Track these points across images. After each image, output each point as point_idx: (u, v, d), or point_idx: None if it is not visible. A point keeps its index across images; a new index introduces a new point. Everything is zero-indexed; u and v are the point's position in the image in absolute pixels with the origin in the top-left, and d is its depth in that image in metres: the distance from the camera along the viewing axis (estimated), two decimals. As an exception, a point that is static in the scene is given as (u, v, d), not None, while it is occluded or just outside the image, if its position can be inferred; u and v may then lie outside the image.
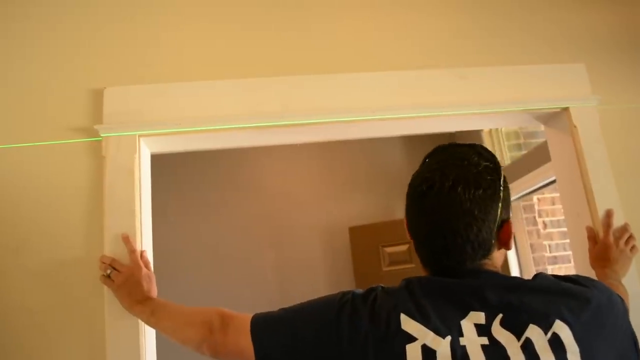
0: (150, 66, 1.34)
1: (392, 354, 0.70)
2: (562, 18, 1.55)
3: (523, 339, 0.68)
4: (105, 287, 1.14)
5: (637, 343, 0.76)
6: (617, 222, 1.31)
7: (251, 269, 3.22)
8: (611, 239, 1.28)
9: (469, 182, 0.77)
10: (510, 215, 0.82)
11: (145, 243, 1.22)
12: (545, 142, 1.64)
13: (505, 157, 2.84)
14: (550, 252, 2.73)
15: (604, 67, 1.51)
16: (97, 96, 1.28)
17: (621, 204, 1.34)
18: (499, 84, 1.42)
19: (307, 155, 3.49)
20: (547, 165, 2.24)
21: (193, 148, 1.44)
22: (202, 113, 1.29)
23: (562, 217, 2.58)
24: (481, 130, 2.91)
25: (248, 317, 0.84)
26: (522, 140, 2.86)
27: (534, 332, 0.69)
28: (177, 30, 1.38)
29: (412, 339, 0.70)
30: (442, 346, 0.68)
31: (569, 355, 0.67)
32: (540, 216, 2.80)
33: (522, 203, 2.81)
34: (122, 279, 1.10)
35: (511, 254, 2.79)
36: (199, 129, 1.28)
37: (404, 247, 2.99)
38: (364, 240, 3.18)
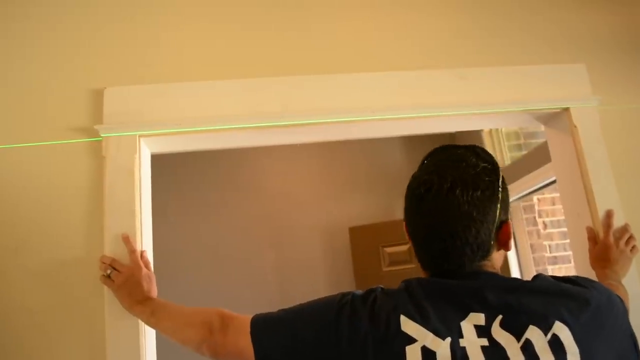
0: (150, 66, 1.34)
1: (391, 355, 0.70)
2: (563, 18, 1.55)
3: (523, 340, 0.68)
4: (106, 287, 1.14)
5: (637, 344, 0.76)
6: (618, 222, 1.31)
7: (251, 269, 3.22)
8: (611, 239, 1.27)
9: (467, 183, 0.77)
10: (509, 216, 0.82)
11: (145, 243, 1.22)
12: (546, 143, 1.64)
13: (505, 157, 2.84)
14: (550, 253, 2.73)
15: (604, 68, 1.51)
16: (97, 96, 1.28)
17: (621, 205, 1.34)
18: (499, 84, 1.42)
19: (307, 155, 3.49)
20: (548, 166, 2.24)
21: (193, 148, 1.44)
22: (202, 113, 1.29)
23: (563, 218, 2.58)
24: (481, 130, 2.91)
25: (248, 318, 0.84)
26: (522, 141, 2.86)
27: (533, 333, 0.69)
28: (177, 30, 1.38)
29: (411, 340, 0.70)
30: (442, 347, 0.68)
31: (568, 356, 0.67)
32: (540, 216, 2.81)
33: (522, 203, 2.81)
34: (122, 279, 1.10)
35: (511, 254, 2.79)
36: (199, 129, 1.28)
37: (404, 248, 2.99)
38: (364, 240, 3.18)
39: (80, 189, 1.22)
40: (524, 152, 2.74)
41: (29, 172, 1.22)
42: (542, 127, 1.57)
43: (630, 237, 1.29)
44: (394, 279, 0.92)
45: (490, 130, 2.93)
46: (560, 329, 0.69)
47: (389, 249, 3.09)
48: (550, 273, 2.64)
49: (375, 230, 3.14)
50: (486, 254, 0.78)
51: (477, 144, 0.87)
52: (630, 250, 1.28)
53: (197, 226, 3.25)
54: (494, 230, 0.78)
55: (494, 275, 0.79)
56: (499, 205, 0.78)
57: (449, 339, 0.69)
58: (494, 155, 0.86)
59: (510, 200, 2.89)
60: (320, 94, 1.34)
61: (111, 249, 1.16)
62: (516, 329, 0.69)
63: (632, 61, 1.54)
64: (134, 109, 1.27)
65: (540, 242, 2.76)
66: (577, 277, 0.81)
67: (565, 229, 2.68)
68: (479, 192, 0.76)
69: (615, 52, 1.54)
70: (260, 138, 1.40)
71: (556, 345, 0.68)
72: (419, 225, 0.82)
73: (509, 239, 0.80)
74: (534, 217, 2.81)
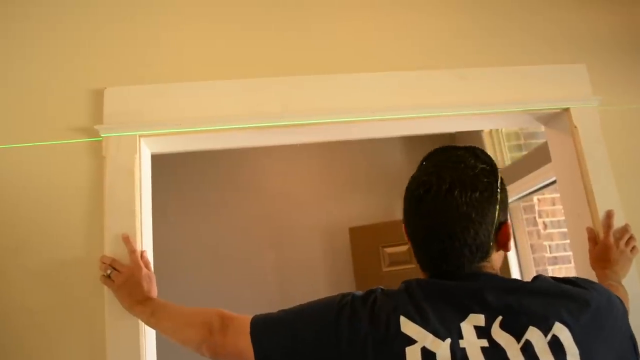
0: (150, 66, 1.34)
1: (391, 356, 0.70)
2: (563, 18, 1.55)
3: (523, 341, 0.68)
4: (106, 288, 1.14)
5: (637, 346, 0.76)
6: (618, 223, 1.31)
7: (251, 269, 3.22)
8: (611, 239, 1.27)
9: (466, 184, 0.77)
10: (508, 217, 0.82)
11: (145, 243, 1.22)
12: (546, 143, 1.64)
13: (505, 157, 2.84)
14: (550, 253, 2.73)
15: (604, 68, 1.51)
16: (98, 96, 1.28)
17: (622, 205, 1.34)
18: (499, 84, 1.42)
19: (307, 155, 3.49)
20: (548, 166, 2.24)
21: (193, 148, 1.44)
22: (202, 113, 1.29)
23: (563, 218, 2.58)
24: (481, 130, 2.91)
25: (248, 318, 0.84)
26: (522, 141, 2.86)
27: (533, 335, 0.69)
28: (177, 30, 1.38)
29: (411, 341, 0.69)
30: (442, 349, 0.68)
31: (568, 357, 0.67)
32: (540, 217, 2.81)
33: (522, 204, 2.81)
34: (123, 279, 1.10)
35: (511, 255, 2.79)
36: (199, 129, 1.28)
37: (404, 248, 2.99)
38: (364, 240, 3.18)
39: (80, 189, 1.22)
40: (524, 153, 2.74)
41: (29, 172, 1.22)
42: (542, 128, 1.57)
43: (631, 238, 1.29)
44: (394, 279, 0.92)
45: (491, 131, 2.92)
46: (560, 330, 0.69)
47: (389, 249, 3.09)
48: (550, 273, 2.64)
49: (376, 231, 3.14)
50: (485, 255, 0.78)
51: (476, 145, 0.87)
52: (631, 250, 1.28)
53: (197, 226, 3.25)
54: (492, 232, 0.78)
55: (493, 276, 0.79)
56: (497, 207, 0.78)
57: (448, 340, 0.69)
58: (494, 156, 0.86)
59: (511, 200, 2.89)
60: (320, 94, 1.34)
61: (111, 249, 1.16)
62: (516, 330, 0.69)
63: (632, 61, 1.54)
64: (134, 109, 1.27)
65: (541, 242, 2.76)
66: (577, 278, 0.81)
67: (565, 230, 2.68)
68: (477, 194, 0.77)
69: (616, 52, 1.54)
70: (260, 138, 1.40)
71: (556, 346, 0.68)
72: (418, 226, 0.82)
73: (508, 239, 0.80)
74: (534, 218, 2.81)
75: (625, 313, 0.79)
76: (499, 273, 0.81)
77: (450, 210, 0.76)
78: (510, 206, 2.81)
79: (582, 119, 1.40)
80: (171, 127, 1.27)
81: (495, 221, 0.78)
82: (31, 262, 1.17)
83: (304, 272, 3.25)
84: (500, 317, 0.71)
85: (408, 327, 0.71)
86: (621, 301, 0.80)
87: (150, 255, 1.23)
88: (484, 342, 0.69)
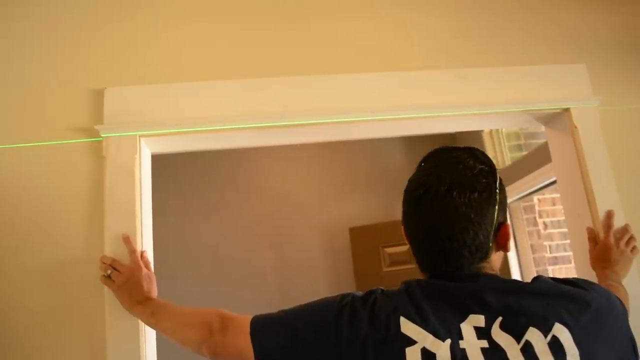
0: (150, 66, 1.34)
1: (391, 357, 0.70)
2: (563, 18, 1.55)
3: (523, 341, 0.68)
4: (106, 288, 1.14)
5: (636, 347, 0.76)
6: (618, 223, 1.31)
7: (251, 269, 3.22)
8: (612, 240, 1.27)
9: (464, 185, 0.77)
10: (508, 217, 0.82)
11: (145, 243, 1.22)
12: (546, 143, 1.64)
13: (505, 157, 2.84)
14: (550, 253, 2.73)
15: (604, 68, 1.50)
16: (98, 96, 1.28)
17: (622, 205, 1.34)
18: (499, 84, 1.42)
19: (307, 155, 3.49)
20: (548, 166, 2.24)
21: (193, 148, 1.44)
22: (202, 113, 1.29)
23: (563, 218, 2.58)
24: (481, 131, 2.91)
25: (248, 318, 0.84)
26: (522, 141, 2.85)
27: (533, 335, 0.69)
28: (177, 30, 1.38)
29: (411, 342, 0.69)
30: (442, 349, 0.68)
31: (568, 358, 0.67)
32: (540, 217, 2.81)
33: (522, 204, 2.81)
34: (123, 279, 1.10)
35: (511, 255, 2.79)
36: (199, 129, 1.28)
37: (404, 248, 2.98)
38: (364, 240, 3.17)
39: (80, 189, 1.22)
40: (525, 153, 2.74)
41: (29, 172, 1.22)
42: (543, 128, 1.57)
43: (631, 238, 1.29)
44: (394, 280, 0.92)
45: (491, 131, 2.92)
46: (560, 331, 0.69)
47: (389, 250, 3.09)
48: (550, 273, 2.64)
49: (376, 231, 3.14)
50: (485, 255, 0.78)
51: (475, 146, 0.87)
52: (631, 250, 1.28)
53: (197, 226, 3.25)
54: (492, 232, 0.78)
55: (493, 277, 0.79)
56: (496, 207, 0.78)
57: (448, 341, 0.69)
58: (494, 156, 0.86)
59: (511, 200, 2.88)
60: (320, 94, 1.34)
61: (111, 249, 1.16)
62: (516, 331, 0.69)
63: (632, 61, 1.54)
64: (134, 109, 1.27)
65: (541, 242, 2.76)
66: (577, 279, 0.81)
67: (565, 230, 2.68)
68: (476, 194, 0.77)
69: (616, 52, 1.54)
70: (261, 138, 1.40)
71: (556, 347, 0.68)
72: (417, 226, 0.82)
73: (507, 240, 0.81)
74: (535, 218, 2.81)
75: (625, 313, 0.79)
76: (498, 274, 0.81)
77: (449, 211, 0.76)
78: (511, 206, 2.81)
79: (582, 119, 1.40)
80: (171, 127, 1.27)
81: (495, 222, 0.78)
82: (31, 262, 1.17)
83: (304, 272, 3.25)
84: (500, 318, 0.71)
85: (408, 327, 0.71)
86: (621, 302, 0.79)
87: (150, 255, 1.23)
88: (484, 343, 0.69)
